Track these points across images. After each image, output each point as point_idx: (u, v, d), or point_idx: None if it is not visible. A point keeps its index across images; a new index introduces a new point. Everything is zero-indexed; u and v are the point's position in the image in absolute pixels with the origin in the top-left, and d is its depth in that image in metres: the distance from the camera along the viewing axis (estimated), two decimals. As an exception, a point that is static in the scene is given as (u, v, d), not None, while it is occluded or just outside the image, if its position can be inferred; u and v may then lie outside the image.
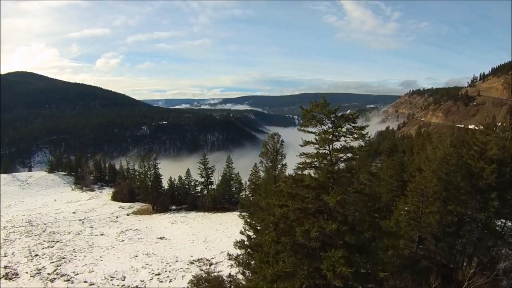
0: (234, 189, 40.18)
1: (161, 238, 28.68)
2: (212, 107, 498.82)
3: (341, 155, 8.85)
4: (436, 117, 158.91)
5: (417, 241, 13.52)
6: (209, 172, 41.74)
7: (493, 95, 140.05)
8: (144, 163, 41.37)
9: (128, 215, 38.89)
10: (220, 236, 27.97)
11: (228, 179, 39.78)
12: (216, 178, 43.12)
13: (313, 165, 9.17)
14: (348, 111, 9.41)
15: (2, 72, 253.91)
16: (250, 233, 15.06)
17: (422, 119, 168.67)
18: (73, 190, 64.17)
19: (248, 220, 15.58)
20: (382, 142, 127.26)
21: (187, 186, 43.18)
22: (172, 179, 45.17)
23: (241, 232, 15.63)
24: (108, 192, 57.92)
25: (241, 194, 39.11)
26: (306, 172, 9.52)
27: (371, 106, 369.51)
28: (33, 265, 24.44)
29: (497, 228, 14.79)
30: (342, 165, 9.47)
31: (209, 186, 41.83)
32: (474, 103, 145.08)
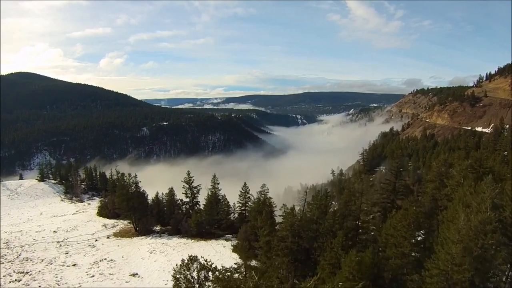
0: (221, 212, 36.51)
1: (133, 275, 26.12)
2: (215, 107, 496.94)
3: None
4: (442, 119, 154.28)
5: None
6: (195, 192, 38.43)
7: (500, 96, 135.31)
8: (123, 181, 38.10)
9: (108, 237, 36.42)
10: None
11: (214, 201, 36.26)
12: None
13: None
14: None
15: (5, 73, 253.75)
16: None
17: (427, 120, 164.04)
18: (62, 200, 62.27)
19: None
20: (387, 145, 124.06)
21: (172, 203, 40.20)
22: (159, 195, 42.34)
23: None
24: (96, 204, 55.74)
25: (229, 216, 35.83)
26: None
27: (374, 105, 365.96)
28: (-7, 306, 22.54)
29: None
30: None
31: (195, 207, 38.55)
32: (481, 104, 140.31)
